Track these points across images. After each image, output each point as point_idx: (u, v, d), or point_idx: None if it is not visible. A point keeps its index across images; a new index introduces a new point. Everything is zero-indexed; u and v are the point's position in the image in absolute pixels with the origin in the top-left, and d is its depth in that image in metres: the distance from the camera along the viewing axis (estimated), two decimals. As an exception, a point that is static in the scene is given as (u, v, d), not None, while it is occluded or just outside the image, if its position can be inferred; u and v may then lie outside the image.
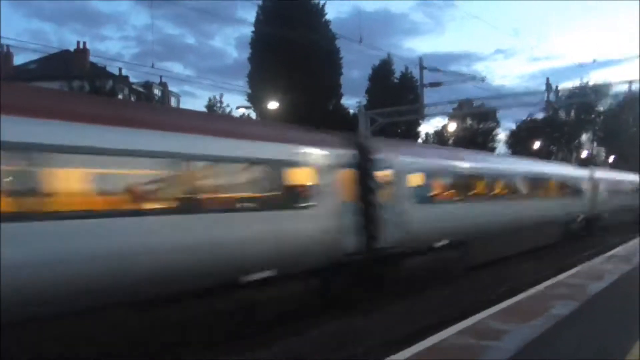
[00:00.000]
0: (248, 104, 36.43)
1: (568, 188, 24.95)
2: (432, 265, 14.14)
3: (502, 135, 66.20)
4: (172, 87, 52.99)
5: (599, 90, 46.21)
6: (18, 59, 43.69)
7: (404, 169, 13.52)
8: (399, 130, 44.60)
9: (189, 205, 8.39)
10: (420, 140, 49.60)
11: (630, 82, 30.22)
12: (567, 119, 70.38)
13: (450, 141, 56.96)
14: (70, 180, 7.47)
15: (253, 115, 34.78)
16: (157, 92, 47.82)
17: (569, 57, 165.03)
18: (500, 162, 22.97)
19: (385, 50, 74.42)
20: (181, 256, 8.09)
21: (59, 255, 6.82)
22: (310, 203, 10.57)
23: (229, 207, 9.26)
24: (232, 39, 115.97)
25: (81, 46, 42.03)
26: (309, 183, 10.71)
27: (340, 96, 41.59)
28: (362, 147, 12.67)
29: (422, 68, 32.86)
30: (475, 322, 8.08)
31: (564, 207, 23.65)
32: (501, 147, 66.10)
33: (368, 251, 11.87)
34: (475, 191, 17.10)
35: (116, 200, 7.83)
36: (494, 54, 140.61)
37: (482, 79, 32.70)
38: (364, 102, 44.78)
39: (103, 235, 7.30)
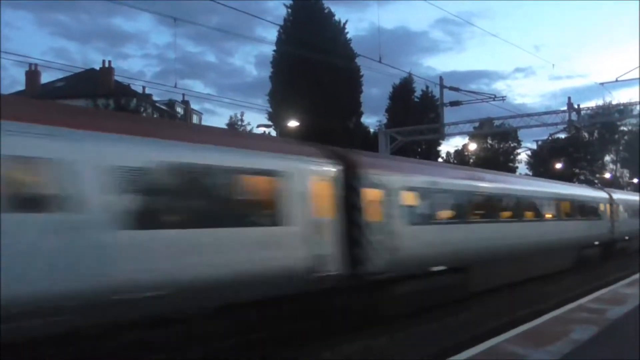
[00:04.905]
0: (269, 122, 36.79)
1: None
2: (624, 248, 28.54)
3: (523, 155, 65.38)
4: (193, 105, 53.76)
5: (623, 110, 45.50)
6: (44, 77, 44.64)
7: (622, 202, 29.36)
8: (419, 150, 44.44)
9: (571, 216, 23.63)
10: (440, 160, 49.37)
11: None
12: (591, 139, 69.31)
13: (471, 161, 56.42)
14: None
15: (273, 133, 35.08)
16: (179, 109, 48.53)
17: (591, 76, 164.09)
18: None
19: (405, 68, 74.72)
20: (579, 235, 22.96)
21: None
22: (600, 217, 25.92)
23: (590, 219, 24.94)
24: (252, 57, 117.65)
25: (106, 65, 42.92)
26: (602, 209, 26.32)
27: (360, 114, 41.68)
28: (608, 191, 28.78)
29: (442, 87, 32.93)
30: (492, 346, 8.03)
31: None
32: (522, 168, 65.29)
33: (612, 238, 26.79)
34: None
35: None
36: (513, 72, 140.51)
37: (503, 98, 32.17)
38: (385, 120, 44.73)
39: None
